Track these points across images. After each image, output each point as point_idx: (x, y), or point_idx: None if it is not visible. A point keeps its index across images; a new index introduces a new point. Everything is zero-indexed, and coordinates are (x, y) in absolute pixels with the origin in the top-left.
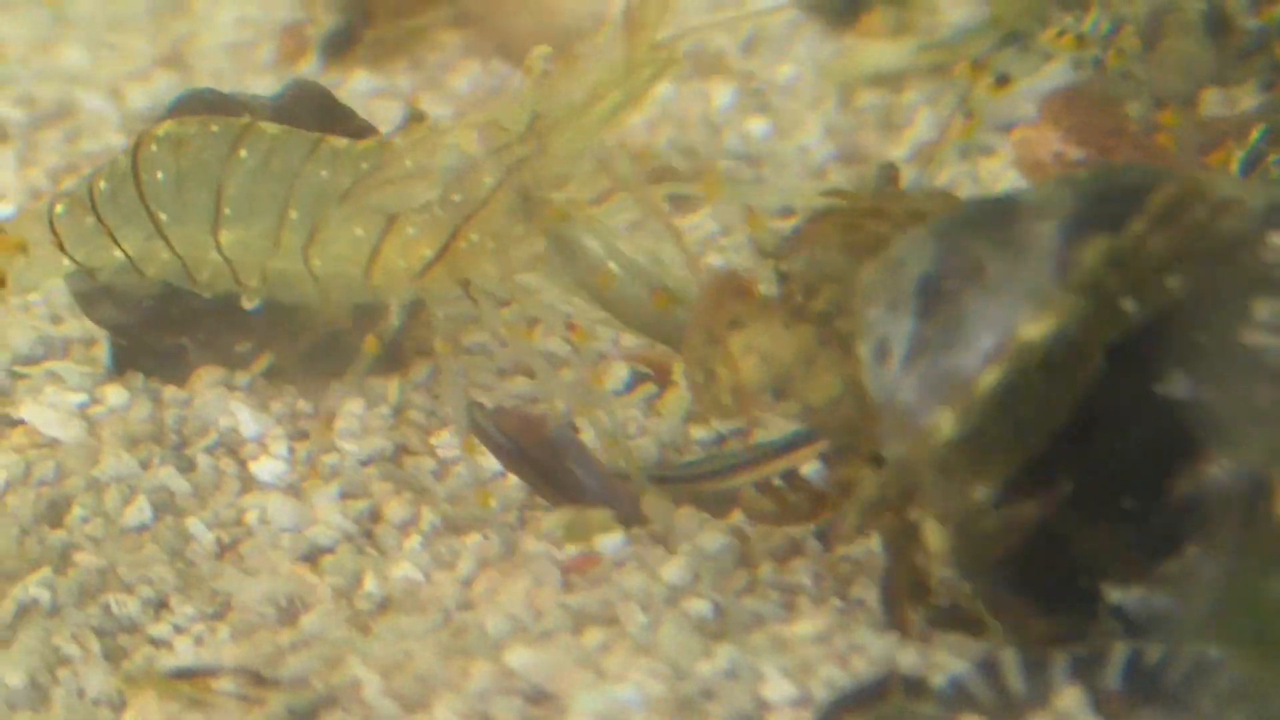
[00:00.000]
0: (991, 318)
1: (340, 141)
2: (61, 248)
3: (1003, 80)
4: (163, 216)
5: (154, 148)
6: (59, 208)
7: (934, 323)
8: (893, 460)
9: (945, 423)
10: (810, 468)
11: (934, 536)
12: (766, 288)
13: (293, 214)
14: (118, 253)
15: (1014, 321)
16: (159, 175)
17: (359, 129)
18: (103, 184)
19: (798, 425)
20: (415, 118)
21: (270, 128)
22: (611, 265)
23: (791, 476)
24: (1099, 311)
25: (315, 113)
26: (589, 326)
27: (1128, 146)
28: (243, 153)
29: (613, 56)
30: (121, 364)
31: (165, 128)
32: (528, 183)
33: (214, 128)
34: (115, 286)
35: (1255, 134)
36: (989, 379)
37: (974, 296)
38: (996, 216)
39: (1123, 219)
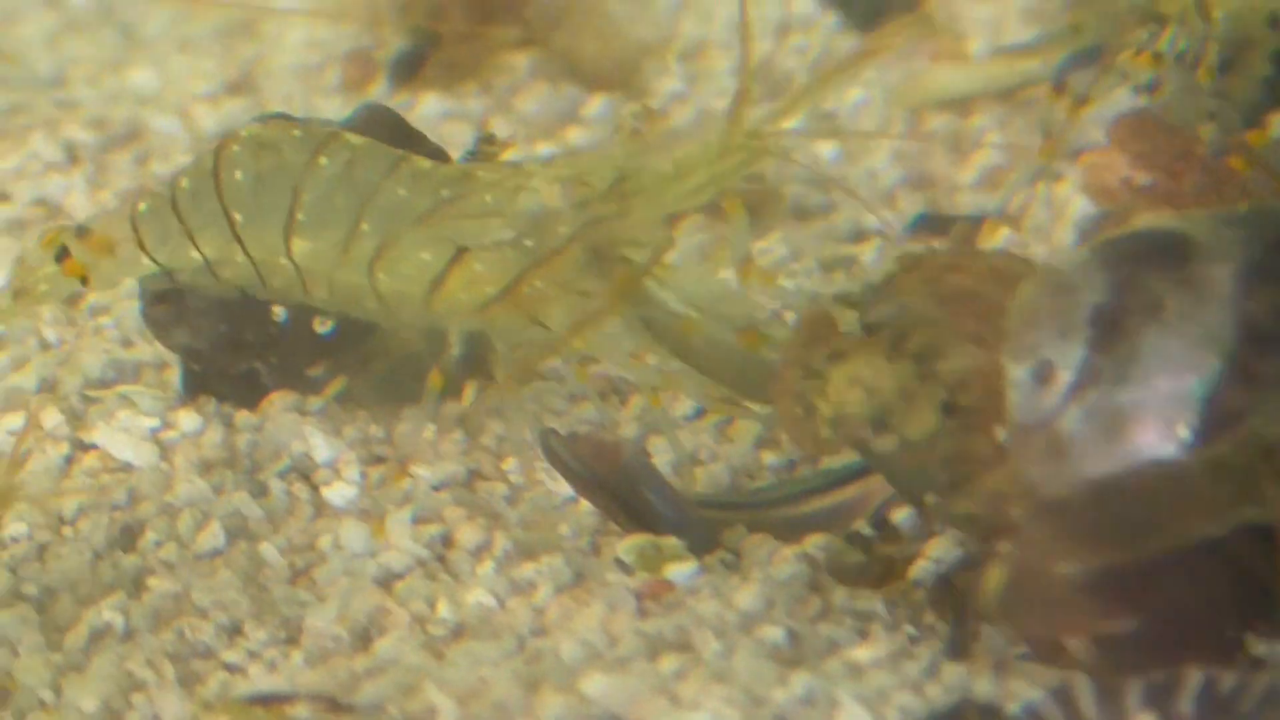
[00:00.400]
0: (1170, 360)
1: (424, 163)
2: (142, 246)
3: (1081, 100)
4: (238, 217)
5: (236, 148)
6: (142, 205)
7: (1108, 355)
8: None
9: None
10: (900, 515)
11: (993, 580)
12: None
13: (365, 226)
14: (196, 254)
15: (1193, 367)
16: (238, 175)
17: (431, 152)
18: (185, 182)
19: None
20: (486, 140)
21: (354, 138)
22: (692, 314)
23: (883, 524)
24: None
25: (387, 136)
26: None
27: (1196, 171)
28: (323, 160)
29: (709, 137)
30: (194, 389)
31: (250, 130)
32: (603, 241)
33: (297, 132)
34: (190, 296)
35: None
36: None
37: (1152, 335)
38: (1170, 253)
39: None
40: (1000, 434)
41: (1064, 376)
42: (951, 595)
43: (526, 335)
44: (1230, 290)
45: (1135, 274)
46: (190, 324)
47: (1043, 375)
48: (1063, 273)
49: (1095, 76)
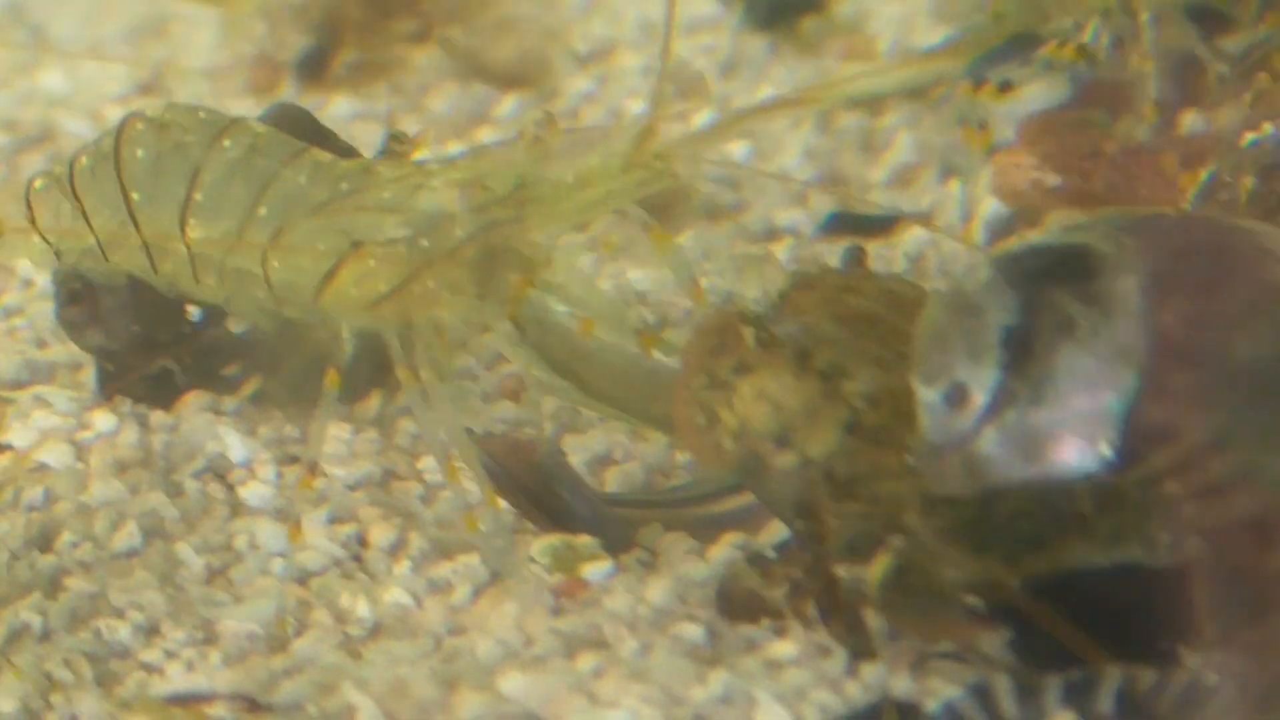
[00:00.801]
0: (1085, 377)
1: (325, 155)
2: (34, 224)
3: (1006, 86)
4: (136, 196)
5: (140, 126)
6: (38, 183)
7: (1022, 376)
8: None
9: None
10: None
11: (879, 569)
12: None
13: (262, 211)
14: (89, 234)
15: (1109, 384)
16: (139, 153)
17: (341, 150)
18: (85, 160)
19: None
20: (396, 138)
21: (258, 125)
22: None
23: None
24: None
25: (297, 134)
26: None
27: (1105, 169)
28: (226, 143)
29: (613, 152)
30: (108, 389)
31: (154, 110)
32: (496, 247)
33: (202, 115)
34: (104, 296)
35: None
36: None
37: (1065, 353)
38: (1075, 268)
39: (1201, 279)
40: (907, 456)
41: (978, 399)
42: (835, 595)
43: (413, 336)
44: (1139, 303)
45: (1042, 292)
46: (104, 324)
47: (955, 398)
48: (968, 294)
49: (1022, 63)
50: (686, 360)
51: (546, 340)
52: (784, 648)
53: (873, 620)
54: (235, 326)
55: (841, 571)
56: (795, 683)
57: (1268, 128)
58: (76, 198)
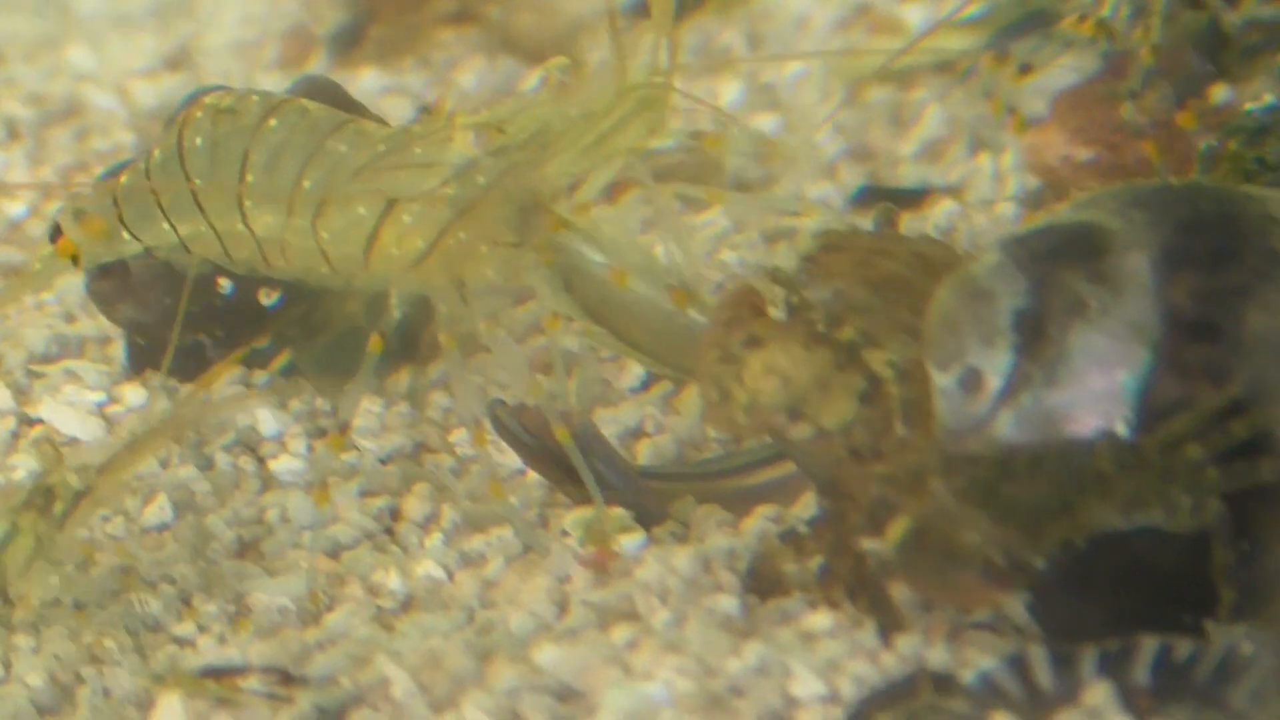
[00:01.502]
0: (1099, 357)
1: (369, 124)
2: (124, 223)
3: (1025, 69)
4: (198, 183)
5: (199, 114)
6: (123, 179)
7: (1036, 359)
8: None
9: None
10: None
11: (896, 531)
12: (776, 310)
13: (306, 184)
14: (168, 227)
15: (1122, 362)
16: (198, 141)
17: (372, 120)
18: (158, 153)
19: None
20: (426, 112)
21: (308, 103)
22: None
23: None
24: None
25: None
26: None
27: (1135, 144)
28: (273, 122)
29: (603, 81)
30: (139, 363)
31: (213, 97)
32: (523, 189)
33: (255, 98)
34: (135, 269)
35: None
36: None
37: (1077, 333)
38: (1083, 247)
39: (1210, 252)
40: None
41: (993, 383)
42: (859, 572)
43: (459, 296)
44: (1149, 279)
45: (1052, 273)
46: (135, 298)
47: (970, 382)
48: (978, 278)
49: (1038, 43)
50: (707, 331)
51: (581, 288)
52: (818, 620)
53: (898, 593)
54: (266, 299)
55: (866, 546)
56: (830, 654)
57: (1268, 98)
58: (154, 192)
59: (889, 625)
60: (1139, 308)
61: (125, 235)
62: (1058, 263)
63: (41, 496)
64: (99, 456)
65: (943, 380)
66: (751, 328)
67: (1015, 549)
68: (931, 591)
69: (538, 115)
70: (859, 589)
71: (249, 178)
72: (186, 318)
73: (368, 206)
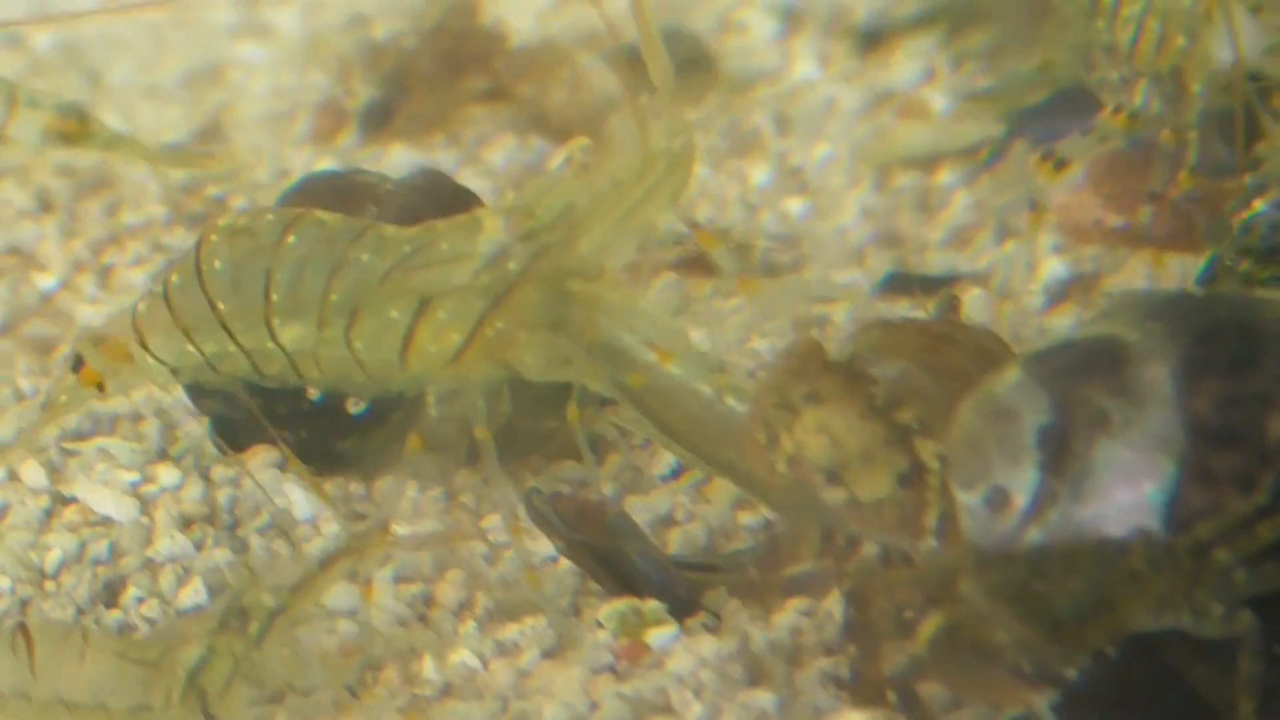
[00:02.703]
0: (1124, 470)
1: (389, 228)
2: (145, 346)
3: (1061, 165)
4: (222, 306)
5: (215, 238)
6: (141, 305)
7: (1061, 475)
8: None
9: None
10: None
11: (929, 629)
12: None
13: (334, 298)
14: (192, 349)
15: (1148, 474)
16: (217, 264)
17: None
18: (175, 278)
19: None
20: None
21: (324, 215)
22: (663, 349)
23: None
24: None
25: (443, 199)
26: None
27: (1167, 214)
28: (291, 239)
29: (629, 151)
30: (220, 449)
31: (227, 219)
32: (557, 271)
33: (269, 216)
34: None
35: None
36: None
37: (1102, 448)
38: (1103, 361)
39: (1229, 360)
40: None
41: (1019, 501)
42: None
43: (501, 384)
44: (1170, 390)
45: (1074, 389)
46: (224, 393)
47: (996, 501)
48: (1000, 396)
49: (1082, 132)
50: (767, 378)
51: (619, 371)
52: (855, 716)
53: (929, 691)
54: (354, 408)
55: (894, 647)
56: None
57: (1259, 205)
58: (174, 316)
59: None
60: (1161, 419)
61: (150, 359)
62: (1079, 378)
63: (236, 617)
64: (291, 575)
65: (969, 499)
66: (816, 384)
67: (1045, 651)
68: (962, 689)
69: (564, 194)
70: (889, 690)
71: (274, 296)
72: (274, 419)
73: (400, 308)
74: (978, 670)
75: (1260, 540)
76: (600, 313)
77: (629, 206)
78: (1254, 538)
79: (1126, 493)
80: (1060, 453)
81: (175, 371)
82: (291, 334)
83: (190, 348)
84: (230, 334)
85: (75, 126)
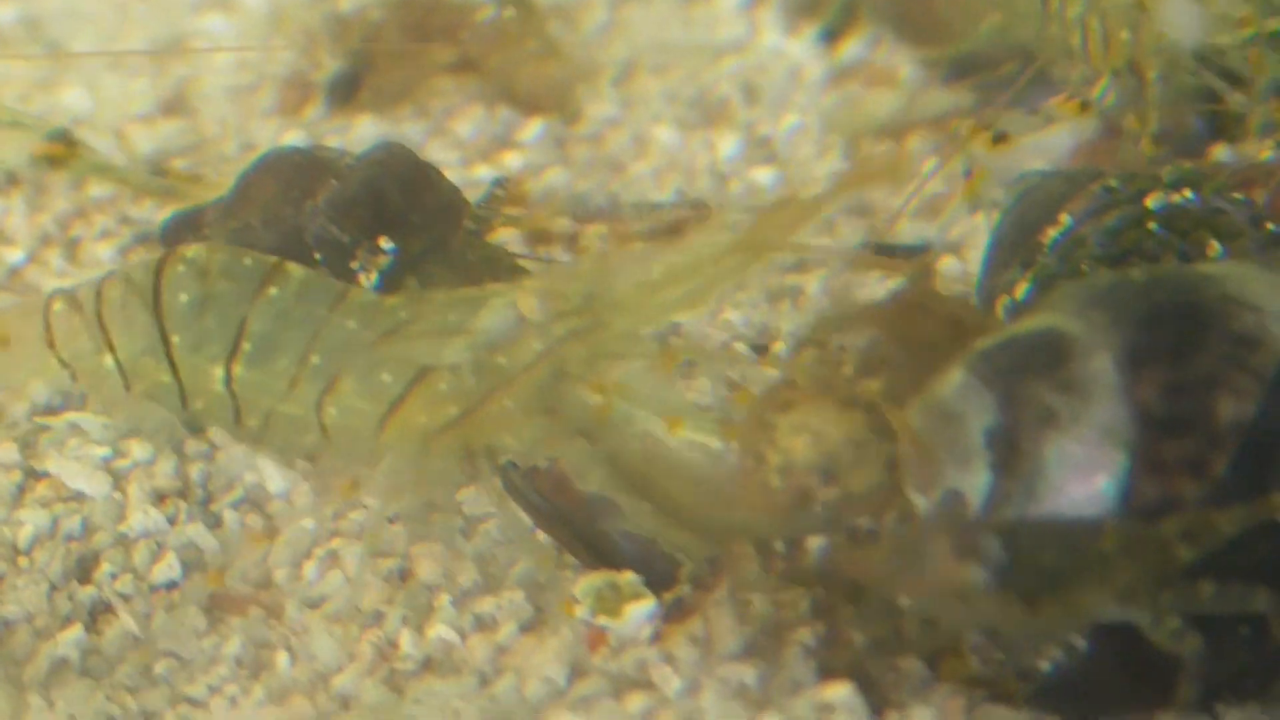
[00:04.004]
0: (1076, 465)
1: (368, 294)
2: (52, 345)
3: (1000, 138)
4: (176, 339)
5: (181, 268)
6: (57, 305)
7: (1013, 475)
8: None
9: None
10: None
11: (879, 551)
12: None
13: (314, 359)
14: (108, 360)
15: (1100, 467)
16: (182, 297)
17: (447, 191)
18: (115, 292)
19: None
20: (501, 184)
21: (297, 270)
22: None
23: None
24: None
25: (404, 173)
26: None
27: None
28: (273, 290)
29: (710, 247)
30: None
31: (195, 250)
32: (569, 359)
33: (247, 261)
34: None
35: None
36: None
37: (1051, 445)
38: (1046, 356)
39: (1173, 345)
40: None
41: (974, 503)
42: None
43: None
44: (1115, 381)
45: (1019, 387)
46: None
47: (951, 505)
48: (945, 399)
49: (1028, 112)
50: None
51: (620, 452)
52: (835, 690)
53: (910, 666)
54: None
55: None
56: None
57: (1267, 152)
58: (102, 325)
59: (876, 703)
60: (1109, 411)
61: (51, 358)
62: (1023, 375)
63: None
64: None
65: (924, 504)
66: (784, 394)
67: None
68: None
69: (585, 281)
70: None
71: (245, 345)
72: None
73: (394, 374)
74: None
75: (1219, 534)
76: (603, 398)
77: (662, 304)
78: (1213, 532)
79: (1080, 487)
80: (1010, 452)
81: (75, 376)
82: (250, 383)
83: (107, 360)
84: (173, 366)
85: (63, 151)
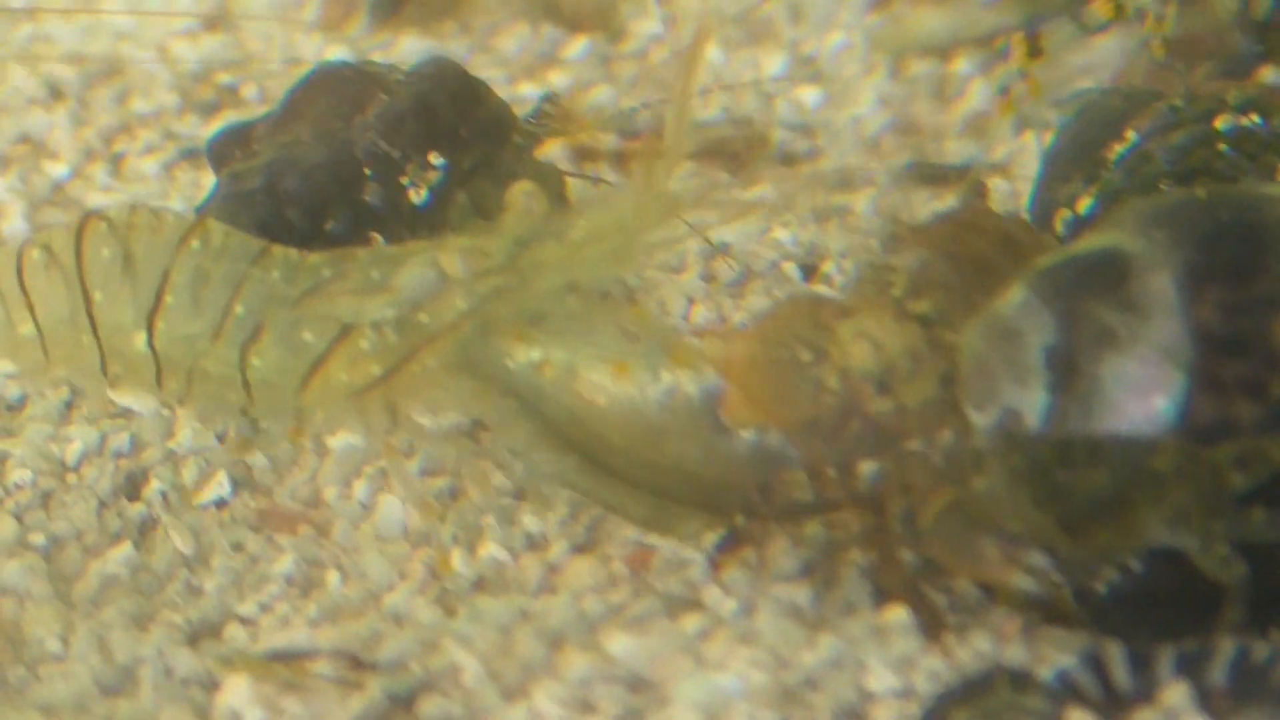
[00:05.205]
0: (1133, 384)
1: (292, 251)
2: None
3: (1036, 52)
4: (98, 296)
5: (104, 226)
6: None
7: (1071, 394)
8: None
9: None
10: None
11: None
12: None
13: (239, 309)
14: (28, 328)
15: (1158, 387)
16: (104, 252)
17: (497, 107)
18: (36, 253)
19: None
20: (550, 100)
21: (218, 227)
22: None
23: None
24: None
25: (454, 88)
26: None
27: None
28: (195, 243)
29: (617, 203)
30: None
31: (115, 210)
32: (493, 315)
33: (169, 216)
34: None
35: None
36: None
37: (1109, 364)
38: (1106, 274)
39: (1234, 265)
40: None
41: (1031, 421)
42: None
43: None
44: (1175, 299)
45: (1078, 306)
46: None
47: (1008, 423)
48: (1005, 317)
49: (1057, 28)
50: (769, 321)
51: (550, 408)
52: (891, 613)
53: (963, 588)
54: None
55: (906, 553)
56: (904, 649)
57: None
58: (24, 289)
59: (930, 625)
60: (1168, 330)
61: None
62: (1083, 294)
63: None
64: None
65: (981, 421)
66: (842, 303)
67: (1056, 542)
68: (955, 561)
69: (509, 238)
70: (898, 592)
71: (168, 298)
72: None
73: (316, 333)
74: (972, 545)
75: (1273, 463)
76: (526, 347)
77: (587, 260)
78: (1267, 461)
79: (1138, 407)
80: (1068, 371)
81: None
82: (174, 339)
83: (27, 327)
84: (93, 326)
85: None
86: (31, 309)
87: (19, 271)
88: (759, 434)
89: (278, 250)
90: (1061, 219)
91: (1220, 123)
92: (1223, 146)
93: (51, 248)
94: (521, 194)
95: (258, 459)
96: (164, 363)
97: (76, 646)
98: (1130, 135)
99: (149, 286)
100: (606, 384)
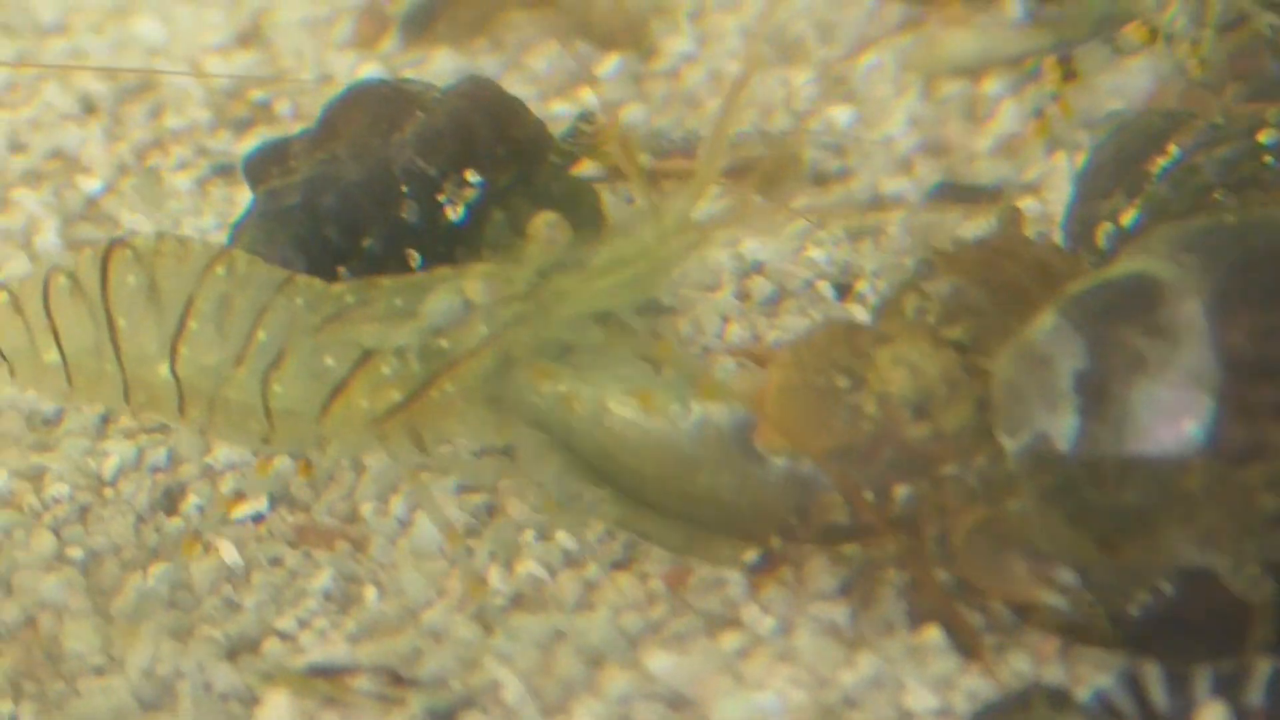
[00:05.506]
0: (1163, 410)
1: (316, 281)
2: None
3: (1070, 75)
4: (122, 323)
5: (129, 253)
6: (1, 296)
7: (1101, 420)
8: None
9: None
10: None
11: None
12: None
13: (260, 336)
14: (52, 355)
15: (1188, 412)
16: (130, 279)
17: (533, 125)
18: (62, 280)
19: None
20: (586, 119)
21: (243, 255)
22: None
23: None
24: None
25: (491, 107)
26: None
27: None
28: (220, 270)
29: (642, 231)
30: None
31: (141, 239)
32: (521, 344)
33: (194, 246)
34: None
35: None
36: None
37: (1139, 389)
38: (1136, 300)
39: (1264, 290)
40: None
41: (1061, 446)
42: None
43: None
44: (1204, 325)
45: (1109, 331)
46: None
47: (1039, 448)
48: (1036, 343)
49: (1090, 51)
50: (803, 347)
51: (580, 441)
52: (928, 633)
53: (998, 611)
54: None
55: (941, 574)
56: (942, 668)
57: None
58: (49, 316)
59: (966, 645)
60: (1197, 356)
61: None
62: (1113, 320)
63: None
64: None
65: (1013, 446)
66: (878, 329)
67: (1087, 557)
68: (985, 580)
69: (532, 266)
70: (933, 615)
71: (192, 324)
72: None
73: (337, 358)
74: (1003, 563)
75: None
76: (549, 382)
77: (617, 285)
78: None
79: (1168, 432)
80: (1098, 396)
81: (13, 372)
82: (197, 366)
83: (51, 355)
84: (117, 353)
85: None
86: (56, 336)
87: (44, 298)
88: (792, 460)
89: (302, 279)
90: (1104, 232)
91: (1264, 136)
92: (1269, 159)
93: (77, 275)
94: (545, 225)
95: (293, 476)
96: (186, 390)
97: (115, 661)
98: (1172, 150)
99: (173, 314)
100: (637, 418)
